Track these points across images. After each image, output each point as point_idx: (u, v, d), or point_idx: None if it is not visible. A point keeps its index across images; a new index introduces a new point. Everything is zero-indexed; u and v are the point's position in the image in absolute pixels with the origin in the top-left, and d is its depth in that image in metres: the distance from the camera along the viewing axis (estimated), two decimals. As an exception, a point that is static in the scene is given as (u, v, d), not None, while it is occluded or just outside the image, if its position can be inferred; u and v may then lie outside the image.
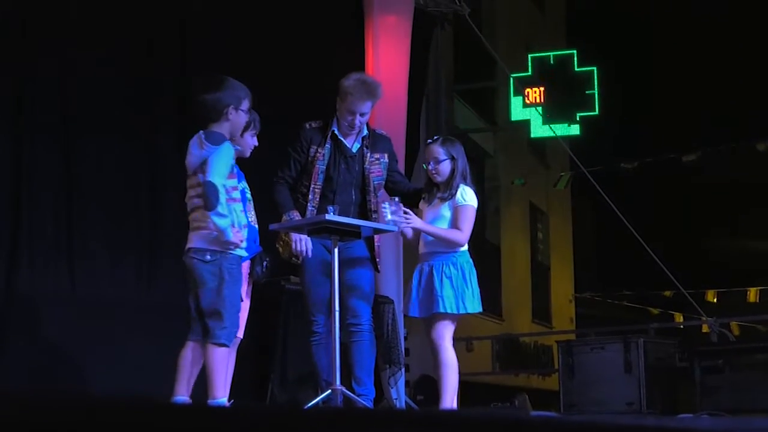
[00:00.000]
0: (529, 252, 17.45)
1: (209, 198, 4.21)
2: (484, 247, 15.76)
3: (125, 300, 5.87)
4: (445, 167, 5.00)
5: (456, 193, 4.96)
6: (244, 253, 4.43)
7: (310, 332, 5.07)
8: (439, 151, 5.03)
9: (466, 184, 5.01)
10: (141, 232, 6.09)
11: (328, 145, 5.04)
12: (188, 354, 4.36)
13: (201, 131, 4.38)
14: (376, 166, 5.13)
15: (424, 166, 5.06)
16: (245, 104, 4.46)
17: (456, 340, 5.21)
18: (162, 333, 5.63)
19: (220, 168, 4.26)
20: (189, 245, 4.37)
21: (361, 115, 4.99)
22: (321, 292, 4.98)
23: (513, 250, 16.53)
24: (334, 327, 4.80)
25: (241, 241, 4.34)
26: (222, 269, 4.31)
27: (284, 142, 5.19)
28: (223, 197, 4.23)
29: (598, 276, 20.51)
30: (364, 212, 5.09)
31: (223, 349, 4.29)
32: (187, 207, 4.44)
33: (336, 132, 5.07)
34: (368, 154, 5.11)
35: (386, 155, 5.18)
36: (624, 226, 9.34)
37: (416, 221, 4.90)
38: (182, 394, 4.35)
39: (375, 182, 5.12)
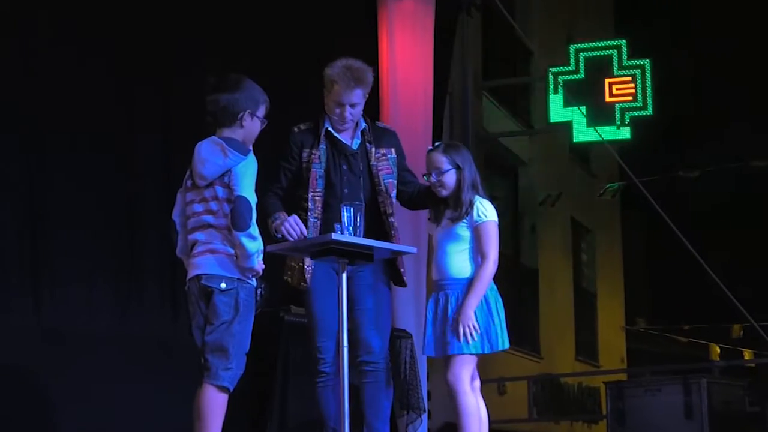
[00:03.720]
0: (571, 277, 17.40)
1: (242, 216, 4.26)
2: (519, 272, 15.72)
3: (99, 331, 5.89)
4: (450, 178, 5.00)
5: (471, 209, 4.97)
6: (254, 283, 4.47)
7: (315, 372, 5.07)
8: (441, 159, 5.02)
9: (481, 196, 5.03)
10: (117, 253, 6.12)
11: (322, 146, 5.05)
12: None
13: (215, 137, 4.43)
14: (384, 163, 5.12)
15: (426, 178, 5.07)
16: (262, 110, 4.51)
17: (485, 382, 5.21)
18: (141, 369, 5.67)
19: (251, 183, 4.32)
20: (197, 270, 4.39)
21: (351, 106, 4.99)
22: (330, 324, 4.97)
23: (552, 274, 16.50)
24: (343, 365, 4.80)
25: (263, 271, 4.39)
26: (238, 301, 4.35)
27: (279, 149, 5.21)
28: (255, 217, 4.29)
29: (654, 305, 20.45)
30: (378, 217, 5.07)
31: (224, 395, 4.32)
32: (187, 224, 4.47)
33: (330, 129, 5.09)
34: (372, 150, 5.12)
35: (393, 150, 5.18)
36: (683, 247, 9.33)
37: (469, 322, 4.86)
38: None
39: (385, 181, 5.11)
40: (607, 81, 12.98)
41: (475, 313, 4.89)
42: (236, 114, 4.43)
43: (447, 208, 5.06)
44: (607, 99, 12.90)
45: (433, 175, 5.02)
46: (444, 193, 5.02)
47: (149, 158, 6.40)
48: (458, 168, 4.99)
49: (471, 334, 4.86)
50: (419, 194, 5.21)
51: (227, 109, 4.41)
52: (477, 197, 5.00)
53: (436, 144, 5.16)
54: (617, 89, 12.95)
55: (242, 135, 4.46)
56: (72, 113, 6.01)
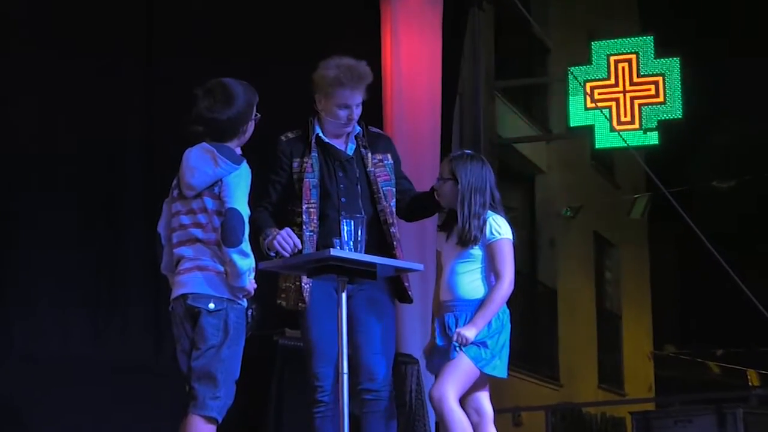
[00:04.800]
0: (593, 296, 17.40)
1: (234, 230, 4.27)
2: (536, 291, 15.73)
3: (73, 356, 5.89)
4: (447, 189, 5.04)
5: (480, 231, 4.97)
6: (245, 304, 4.48)
7: (313, 401, 5.06)
8: (444, 168, 5.12)
9: (497, 213, 5.05)
10: (95, 272, 6.12)
11: (314, 153, 5.07)
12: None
13: (206, 143, 4.44)
14: (381, 169, 5.15)
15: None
16: (254, 110, 4.54)
17: (499, 412, 5.21)
18: (120, 398, 5.69)
19: (244, 194, 4.34)
20: (183, 289, 4.40)
21: (357, 106, 5.06)
22: (329, 349, 4.98)
23: (573, 294, 16.50)
24: (343, 394, 4.81)
25: (255, 290, 4.40)
26: (228, 323, 4.36)
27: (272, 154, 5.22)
28: (247, 231, 4.30)
29: (684, 328, 20.44)
30: (378, 228, 5.09)
31: (212, 427, 4.32)
32: (173, 238, 4.48)
33: (321, 135, 5.12)
34: (369, 155, 5.15)
35: (389, 156, 5.22)
36: (717, 263, 9.33)
37: (470, 334, 4.89)
38: None
39: (384, 188, 5.13)
40: (632, 80, 12.99)
41: (488, 335, 4.92)
42: (237, 130, 4.47)
43: (454, 221, 5.08)
44: (633, 101, 12.91)
45: (437, 180, 5.09)
46: (443, 203, 5.08)
47: (130, 164, 6.44)
48: (457, 182, 5.01)
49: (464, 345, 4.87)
50: (416, 202, 5.24)
51: (229, 129, 4.45)
52: (490, 213, 5.02)
53: (456, 153, 5.21)
54: (644, 90, 12.96)
55: (238, 143, 4.50)
56: (47, 118, 6.05)
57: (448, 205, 5.07)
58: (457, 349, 4.90)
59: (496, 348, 4.97)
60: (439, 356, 5.03)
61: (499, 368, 4.99)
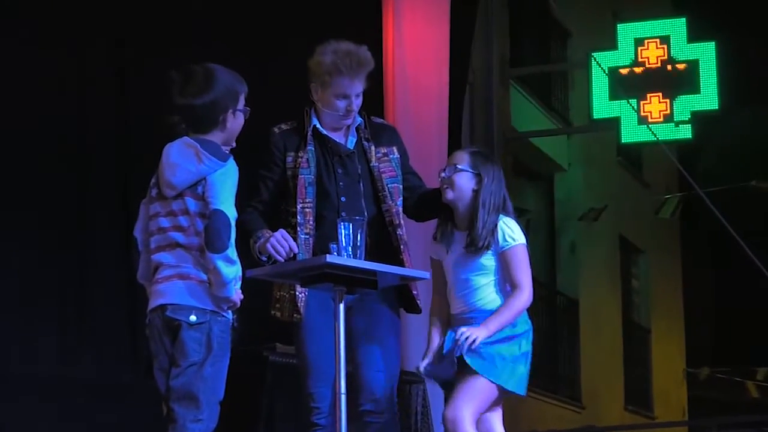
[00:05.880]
0: (619, 308, 17.42)
1: (219, 235, 4.26)
2: (555, 302, 15.73)
3: (40, 374, 5.88)
4: (463, 180, 5.00)
5: (492, 236, 4.95)
6: (230, 317, 4.46)
7: (308, 424, 5.05)
8: (462, 157, 5.07)
9: (507, 215, 5.03)
10: (63, 284, 6.12)
11: (310, 147, 5.06)
12: None
13: (188, 138, 4.42)
14: (386, 164, 5.13)
15: (440, 176, 5.08)
16: (242, 101, 4.52)
17: (515, 436, 5.19)
18: (91, 421, 5.69)
19: (230, 195, 4.34)
20: (162, 299, 4.38)
21: (356, 96, 5.03)
22: (326, 366, 4.95)
23: (596, 305, 16.51)
24: (341, 416, 4.80)
25: (241, 301, 4.38)
26: (211, 337, 4.34)
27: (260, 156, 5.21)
28: (234, 236, 4.29)
29: (721, 343, 20.44)
30: (383, 231, 5.07)
31: None
32: (150, 243, 4.46)
33: (318, 127, 5.10)
34: (372, 148, 5.13)
35: (395, 149, 5.20)
36: (758, 272, 9.32)
37: (480, 333, 4.87)
38: None
39: (389, 185, 5.11)
40: (663, 67, 12.98)
41: (501, 341, 4.88)
42: (216, 119, 4.44)
43: (454, 227, 5.05)
44: (664, 90, 12.90)
45: (447, 170, 5.04)
46: (450, 195, 5.01)
47: (101, 161, 6.44)
48: (478, 176, 5.00)
49: (471, 345, 4.84)
50: (427, 199, 5.21)
51: (205, 117, 4.43)
52: (502, 217, 5.00)
53: (471, 147, 5.21)
54: (676, 78, 12.95)
55: (223, 137, 4.48)
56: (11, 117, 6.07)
57: (455, 199, 5.02)
58: (464, 352, 4.85)
59: (516, 360, 4.94)
60: (450, 363, 5.00)
61: (521, 385, 4.96)
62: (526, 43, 14.95)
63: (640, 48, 13.15)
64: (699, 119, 12.87)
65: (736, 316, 19.75)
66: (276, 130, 5.16)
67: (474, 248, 4.97)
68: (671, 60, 13.06)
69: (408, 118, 7.96)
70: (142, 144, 6.03)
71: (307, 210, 5.02)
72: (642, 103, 12.80)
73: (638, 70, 13.06)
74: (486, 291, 5.00)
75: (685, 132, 12.84)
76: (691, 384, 18.60)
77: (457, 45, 8.46)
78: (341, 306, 4.75)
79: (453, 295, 5.08)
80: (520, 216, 5.29)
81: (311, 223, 5.01)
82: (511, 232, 4.99)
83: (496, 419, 5.07)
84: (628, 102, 12.71)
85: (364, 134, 5.14)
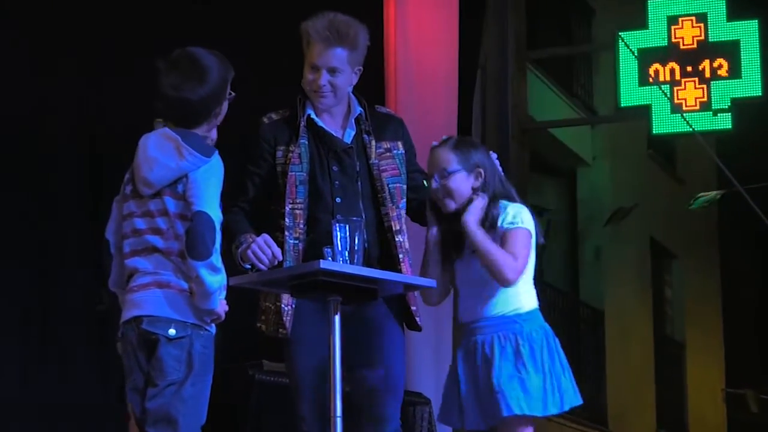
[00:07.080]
0: (650, 320, 17.44)
1: (202, 239, 4.27)
2: (578, 313, 15.74)
3: (2, 401, 5.92)
4: (459, 183, 4.94)
5: (502, 216, 4.92)
6: (213, 331, 4.46)
7: (299, 451, 5.08)
8: (448, 157, 4.97)
9: (516, 202, 5.00)
10: (26, 296, 6.14)
11: (303, 140, 5.02)
12: None
13: (167, 129, 4.42)
14: (389, 161, 5.09)
15: (425, 184, 5.05)
16: (228, 87, 4.52)
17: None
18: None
19: (215, 195, 4.34)
20: (137, 311, 4.38)
21: (330, 72, 4.97)
22: (319, 386, 4.94)
23: (624, 316, 16.54)
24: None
25: (225, 313, 4.39)
26: (192, 354, 4.35)
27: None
28: (219, 241, 4.30)
29: (766, 360, 20.46)
30: (382, 236, 5.06)
31: None
32: (124, 247, 4.46)
33: (313, 117, 5.07)
34: (372, 143, 5.10)
35: (400, 144, 5.16)
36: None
37: (470, 221, 4.87)
38: None
39: (391, 185, 5.09)
40: (699, 49, 12.97)
41: (522, 360, 4.87)
42: (210, 112, 4.47)
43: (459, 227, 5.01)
44: (700, 74, 12.90)
45: (435, 178, 4.96)
46: (451, 205, 4.96)
47: (65, 154, 6.47)
48: (476, 167, 4.96)
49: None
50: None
51: (199, 113, 4.44)
52: (508, 203, 4.96)
53: (444, 138, 5.09)
54: (714, 62, 12.95)
55: (208, 128, 4.50)
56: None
57: (459, 203, 4.97)
58: (516, 405, 4.83)
59: (564, 372, 4.95)
60: (469, 401, 4.99)
61: (573, 396, 4.96)
62: (544, 22, 14.97)
63: (673, 27, 13.12)
64: (740, 107, 12.87)
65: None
66: (265, 120, 5.13)
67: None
68: (709, 40, 13.06)
69: (411, 107, 7.97)
70: (113, 137, 6.04)
71: (297, 212, 5.00)
72: (676, 89, 12.79)
73: (671, 51, 13.07)
74: (500, 296, 4.98)
75: (725, 122, 12.81)
76: (731, 406, 18.62)
77: (466, 26, 8.48)
78: (337, 318, 4.74)
79: (458, 302, 5.09)
80: (538, 216, 5.25)
81: (301, 226, 5.00)
82: (519, 214, 4.93)
83: None
84: (660, 88, 12.72)
85: (365, 126, 5.11)
